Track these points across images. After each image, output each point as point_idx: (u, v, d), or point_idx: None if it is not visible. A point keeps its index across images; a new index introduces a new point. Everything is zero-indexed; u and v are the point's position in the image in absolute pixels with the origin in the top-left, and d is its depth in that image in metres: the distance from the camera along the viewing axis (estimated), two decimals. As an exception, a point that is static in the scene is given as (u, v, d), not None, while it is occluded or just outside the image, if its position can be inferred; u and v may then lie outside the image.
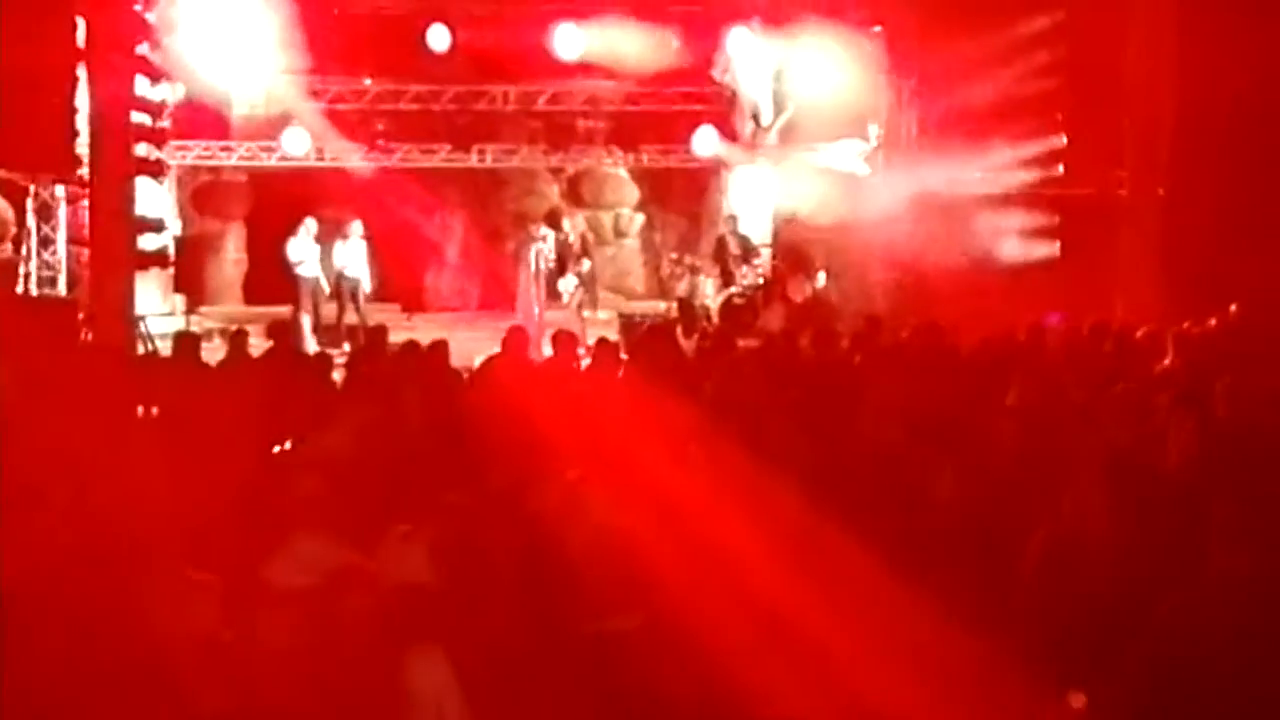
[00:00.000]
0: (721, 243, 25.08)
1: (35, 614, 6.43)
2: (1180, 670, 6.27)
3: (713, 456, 9.16)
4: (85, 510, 7.73)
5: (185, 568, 6.87)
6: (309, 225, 23.12)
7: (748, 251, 24.76)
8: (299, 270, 22.94)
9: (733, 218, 25.57)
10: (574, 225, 25.20)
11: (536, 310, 22.41)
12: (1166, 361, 13.89)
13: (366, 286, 23.58)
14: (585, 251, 24.04)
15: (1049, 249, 22.78)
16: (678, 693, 7.23)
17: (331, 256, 23.28)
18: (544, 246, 23.08)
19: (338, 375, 14.68)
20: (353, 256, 23.38)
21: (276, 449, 11.29)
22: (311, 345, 21.15)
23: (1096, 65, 21.69)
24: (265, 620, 6.88)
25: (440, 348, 14.27)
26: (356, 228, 23.52)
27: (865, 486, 8.90)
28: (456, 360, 14.37)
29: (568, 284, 23.11)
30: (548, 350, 15.54)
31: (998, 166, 22.40)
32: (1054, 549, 7.63)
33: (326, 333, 22.66)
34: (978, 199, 22.38)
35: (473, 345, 16.38)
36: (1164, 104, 21.34)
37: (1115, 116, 22.17)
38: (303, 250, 22.98)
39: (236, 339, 15.73)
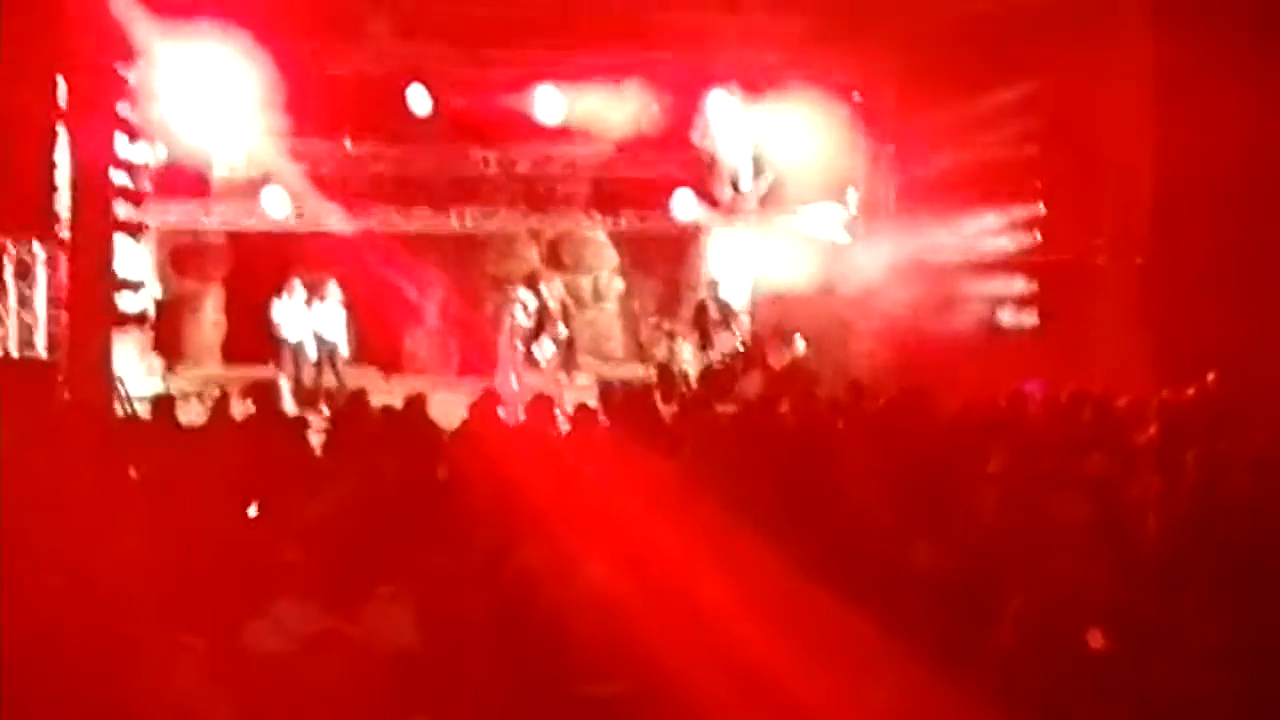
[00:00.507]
0: (701, 308, 25.08)
1: (21, 675, 6.41)
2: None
3: (691, 522, 9.16)
4: (67, 572, 7.71)
5: (168, 630, 6.84)
6: (295, 288, 23.09)
7: (727, 317, 24.77)
8: (282, 333, 22.90)
9: (713, 283, 25.59)
10: (552, 291, 25.12)
11: (514, 374, 22.37)
12: (1147, 430, 13.93)
13: (344, 349, 23.56)
14: (564, 317, 24.03)
15: (1027, 316, 22.82)
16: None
17: (310, 318, 23.21)
18: (522, 310, 23.10)
19: (315, 439, 14.68)
20: (330, 319, 23.35)
21: (252, 512, 11.25)
22: (291, 408, 21.06)
23: (1075, 133, 21.74)
24: (245, 685, 6.85)
25: (417, 403, 14.26)
26: (334, 290, 23.48)
27: (844, 552, 8.90)
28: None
29: (544, 349, 23.06)
30: (524, 415, 15.50)
31: (976, 233, 22.46)
32: (1032, 615, 7.64)
33: (305, 395, 22.58)
34: (956, 266, 22.43)
35: (452, 409, 16.33)
36: (1142, 172, 21.41)
37: (1093, 184, 22.20)
38: (287, 312, 22.95)
39: (219, 403, 15.75)
